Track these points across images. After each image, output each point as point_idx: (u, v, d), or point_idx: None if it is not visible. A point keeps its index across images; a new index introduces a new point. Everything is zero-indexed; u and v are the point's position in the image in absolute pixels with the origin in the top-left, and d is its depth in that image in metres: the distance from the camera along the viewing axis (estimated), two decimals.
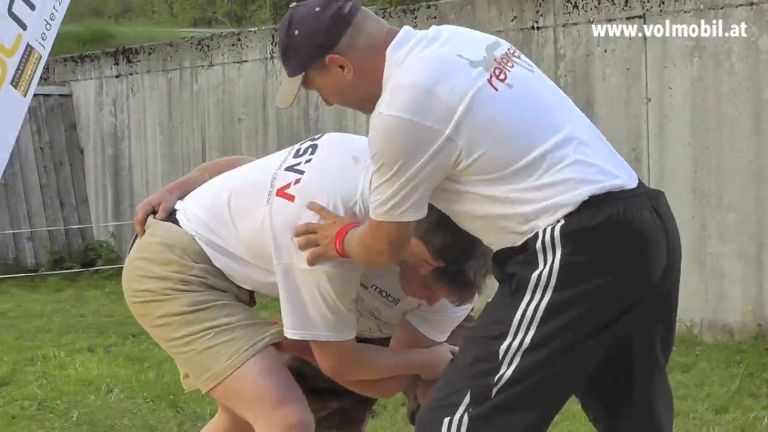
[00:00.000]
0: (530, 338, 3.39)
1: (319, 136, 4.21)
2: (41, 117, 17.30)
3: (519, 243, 3.43)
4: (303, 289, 3.89)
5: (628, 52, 10.41)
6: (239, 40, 15.02)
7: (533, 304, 3.39)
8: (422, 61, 3.48)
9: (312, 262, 3.80)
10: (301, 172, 3.99)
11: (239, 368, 4.02)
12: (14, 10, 7.83)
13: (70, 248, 17.14)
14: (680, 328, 9.75)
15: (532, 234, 3.39)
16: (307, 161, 4.04)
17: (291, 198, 3.93)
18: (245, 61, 14.75)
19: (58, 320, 12.01)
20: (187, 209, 4.18)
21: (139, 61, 16.45)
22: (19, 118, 8.03)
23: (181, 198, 4.26)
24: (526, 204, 3.41)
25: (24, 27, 7.88)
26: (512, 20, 11.34)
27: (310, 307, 3.90)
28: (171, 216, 4.20)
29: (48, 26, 8.03)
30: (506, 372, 3.38)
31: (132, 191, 16.67)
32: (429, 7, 12.56)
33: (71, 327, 11.43)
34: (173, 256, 4.09)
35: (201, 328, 4.04)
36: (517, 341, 3.39)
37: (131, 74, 16.63)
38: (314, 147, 4.11)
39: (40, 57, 8.04)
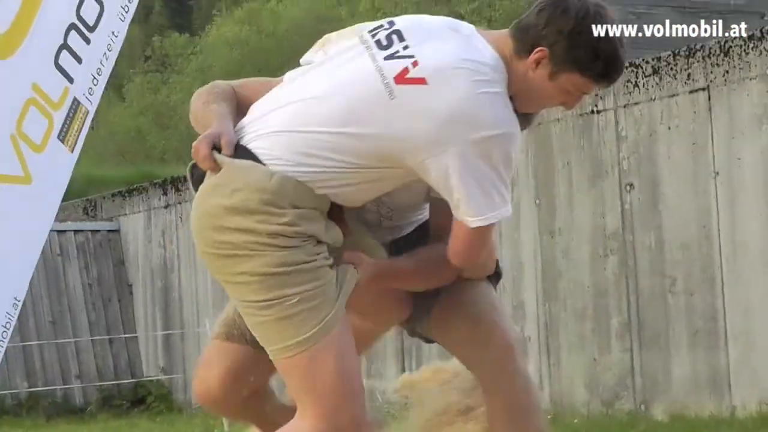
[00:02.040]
0: None
1: (389, 21, 4.00)
2: (89, 253, 17.43)
3: None
4: (485, 163, 3.72)
5: (693, 126, 10.32)
6: None
7: None
8: None
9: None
10: (411, 56, 3.81)
11: (317, 344, 3.83)
12: (60, 62, 7.84)
13: (120, 385, 16.99)
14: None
15: None
16: (406, 46, 3.86)
17: (422, 81, 3.77)
18: None
19: None
20: (263, 138, 3.89)
21: (188, 189, 16.42)
22: (66, 174, 7.96)
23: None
24: None
25: (71, 80, 7.87)
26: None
27: (491, 184, 3.75)
28: (242, 151, 3.89)
29: (95, 81, 8.02)
30: None
31: (183, 324, 16.54)
32: None
33: None
34: (261, 206, 3.79)
35: (283, 294, 3.79)
36: None
37: (180, 203, 16.63)
38: (398, 32, 3.91)
39: (88, 112, 8.02)
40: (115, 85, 46.44)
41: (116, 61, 8.41)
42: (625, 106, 10.84)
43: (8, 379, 15.51)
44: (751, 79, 9.90)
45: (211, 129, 3.97)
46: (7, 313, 7.74)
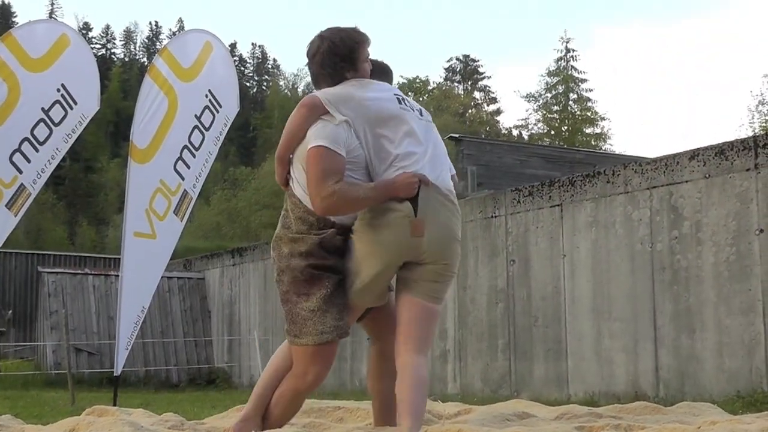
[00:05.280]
0: None
1: (397, 96, 3.81)
2: (185, 291, 17.30)
3: None
4: None
5: (551, 227, 10.36)
6: None
7: None
8: None
9: None
10: (421, 107, 3.93)
11: None
12: (177, 167, 7.87)
13: (200, 370, 16.80)
14: None
15: None
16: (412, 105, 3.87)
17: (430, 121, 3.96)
18: None
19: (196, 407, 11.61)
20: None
21: (248, 254, 16.43)
22: (177, 234, 7.95)
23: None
24: None
25: (183, 178, 7.90)
26: (479, 212, 11.33)
27: None
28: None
29: (197, 180, 8.04)
30: None
31: (240, 336, 16.39)
32: None
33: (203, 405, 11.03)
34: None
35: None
36: None
37: (241, 264, 16.56)
38: (403, 98, 3.82)
39: (192, 198, 8.02)
40: (205, 196, 46.35)
41: (205, 181, 8.38)
42: (511, 214, 10.89)
43: (133, 363, 15.35)
44: (586, 200, 9.97)
45: (406, 177, 3.53)
46: (138, 315, 7.72)
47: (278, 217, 3.90)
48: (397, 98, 3.70)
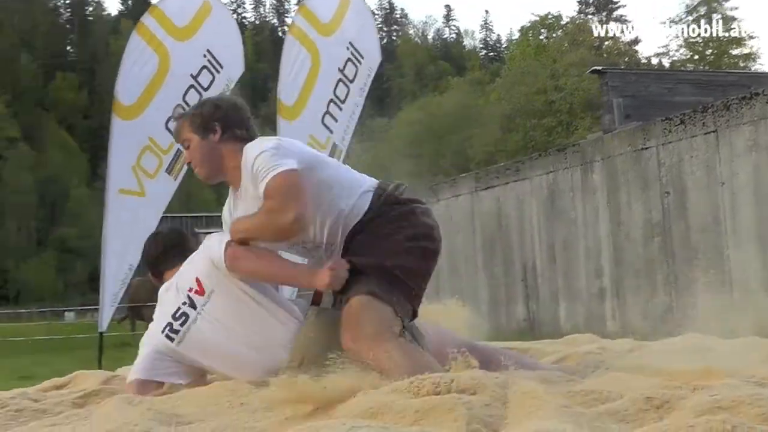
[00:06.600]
0: None
1: None
2: None
3: None
4: None
5: (707, 155, 9.99)
6: None
7: None
8: None
9: None
10: None
11: None
12: (325, 122, 7.95)
13: None
14: None
15: None
16: None
17: None
18: None
19: None
20: None
21: None
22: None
23: None
24: None
25: (331, 132, 7.97)
26: (628, 146, 11.03)
27: None
28: None
29: (346, 133, 8.10)
30: None
31: None
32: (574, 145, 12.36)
33: None
34: None
35: None
36: None
37: None
38: None
39: (342, 151, 8.10)
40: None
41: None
42: (663, 144, 10.56)
43: None
44: (744, 124, 9.55)
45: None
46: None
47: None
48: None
